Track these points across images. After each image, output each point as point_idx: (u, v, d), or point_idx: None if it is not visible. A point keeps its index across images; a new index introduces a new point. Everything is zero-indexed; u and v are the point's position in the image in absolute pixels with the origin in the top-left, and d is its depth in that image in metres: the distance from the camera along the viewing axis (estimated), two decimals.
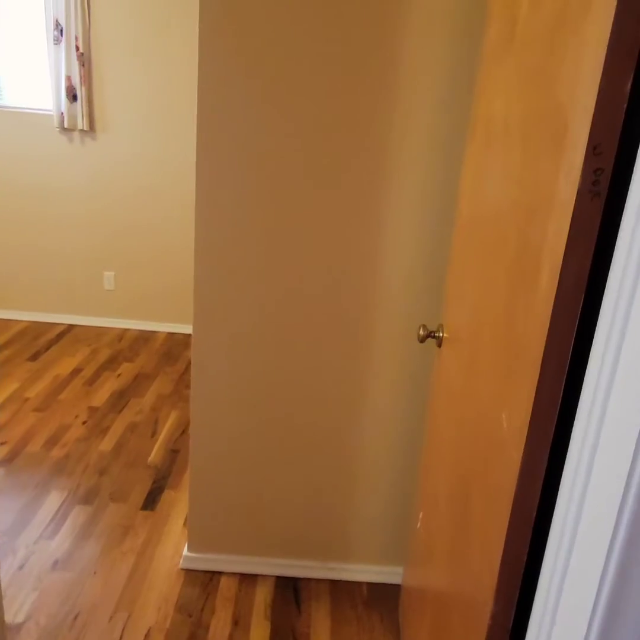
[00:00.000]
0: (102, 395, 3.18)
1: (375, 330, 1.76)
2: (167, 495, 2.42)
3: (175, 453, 2.71)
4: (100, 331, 4.02)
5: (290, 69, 1.55)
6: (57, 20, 3.46)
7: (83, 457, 2.62)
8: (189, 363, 3.64)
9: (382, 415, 1.85)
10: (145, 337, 4.01)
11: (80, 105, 3.60)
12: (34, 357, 3.55)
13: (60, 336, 3.89)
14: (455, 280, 1.50)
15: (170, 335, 4.07)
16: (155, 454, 2.69)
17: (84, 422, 2.89)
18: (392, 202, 1.64)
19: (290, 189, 1.65)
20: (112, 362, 3.57)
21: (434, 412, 1.61)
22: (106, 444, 2.73)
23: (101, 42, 3.57)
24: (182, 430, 2.90)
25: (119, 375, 3.42)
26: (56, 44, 3.51)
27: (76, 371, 3.42)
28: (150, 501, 2.37)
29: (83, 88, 3.57)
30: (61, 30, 3.48)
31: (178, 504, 2.37)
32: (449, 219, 1.66)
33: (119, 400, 3.14)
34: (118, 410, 3.04)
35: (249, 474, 1.93)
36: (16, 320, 4.08)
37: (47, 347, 3.71)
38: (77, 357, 3.60)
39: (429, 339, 1.73)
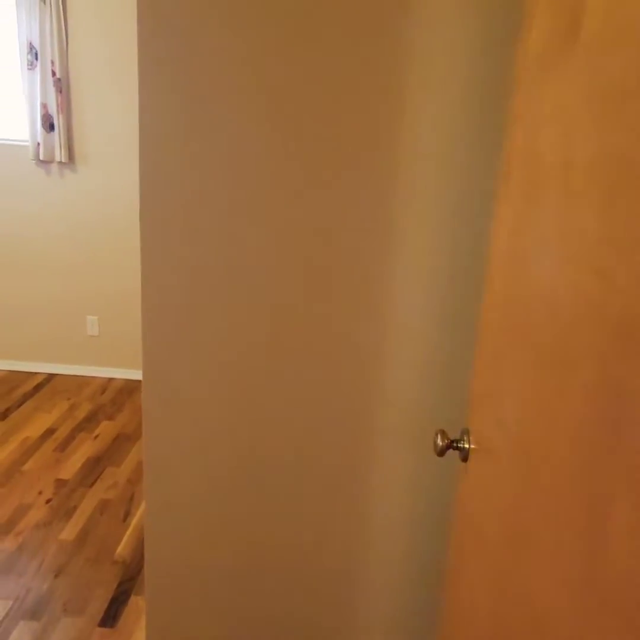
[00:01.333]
0: (73, 463, 2.78)
1: (373, 433, 1.34)
2: (132, 603, 2.00)
3: None
4: (82, 381, 3.64)
5: (272, 69, 1.16)
6: (31, 43, 3.14)
7: (39, 549, 2.21)
8: None
9: (386, 551, 1.42)
10: (130, 387, 3.61)
11: (57, 135, 3.27)
12: (4, 416, 3.17)
13: (37, 388, 3.52)
14: (487, 374, 1.09)
15: None
16: (125, 545, 2.27)
17: (47, 501, 2.49)
18: (397, 269, 1.23)
19: (270, 236, 1.25)
20: (90, 421, 3.18)
21: (459, 553, 1.18)
22: (69, 530, 2.32)
23: (79, 67, 3.24)
24: None
25: (96, 437, 3.03)
26: (30, 69, 3.18)
27: (49, 432, 3.03)
28: (112, 614, 1.95)
29: (60, 116, 3.23)
30: (36, 54, 3.16)
31: (145, 615, 1.95)
32: (472, 291, 1.25)
33: (93, 469, 2.74)
34: (89, 484, 2.63)
35: (215, 597, 1.51)
36: None
37: (21, 402, 3.33)
38: (53, 414, 3.22)
39: (450, 451, 1.31)
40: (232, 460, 1.40)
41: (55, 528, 2.33)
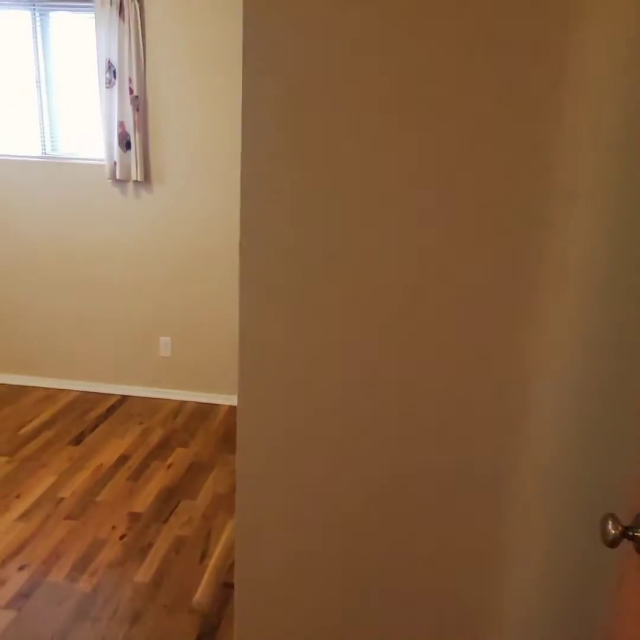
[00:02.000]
0: (147, 495, 2.66)
1: (516, 501, 1.11)
2: None
3: (228, 588, 2.13)
4: (154, 404, 3.55)
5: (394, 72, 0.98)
6: (109, 61, 3.09)
7: (114, 593, 2.08)
8: None
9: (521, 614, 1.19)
10: (203, 411, 3.50)
11: (134, 154, 3.20)
12: (78, 440, 3.10)
13: (110, 411, 3.45)
14: None
15: (232, 409, 3.54)
16: (203, 590, 2.11)
17: (121, 537, 2.37)
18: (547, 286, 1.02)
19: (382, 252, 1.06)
20: (163, 448, 3.07)
21: None
22: (144, 572, 2.19)
23: (157, 85, 3.17)
24: None
25: (169, 465, 2.91)
26: (108, 87, 3.14)
27: (122, 460, 2.93)
28: None
29: (137, 135, 3.17)
30: (114, 72, 3.11)
31: None
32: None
33: (167, 502, 2.61)
34: (163, 519, 2.50)
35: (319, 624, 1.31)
36: (65, 391, 3.68)
37: (94, 425, 3.26)
38: (126, 440, 3.12)
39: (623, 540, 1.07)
40: (341, 500, 1.21)
41: (129, 568, 2.20)
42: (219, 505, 2.60)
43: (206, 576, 2.18)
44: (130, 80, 3.11)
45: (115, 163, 3.23)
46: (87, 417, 3.35)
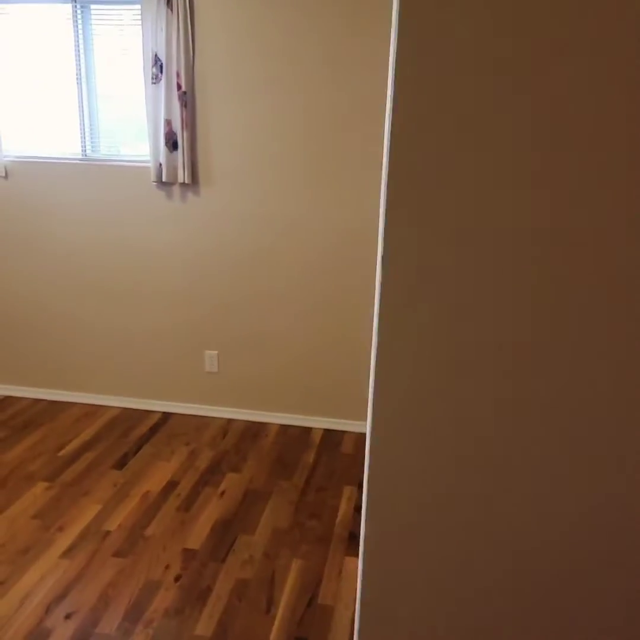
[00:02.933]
0: (201, 528, 2.42)
1: None
2: None
3: None
4: (200, 422, 3.32)
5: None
6: (156, 55, 2.87)
7: None
8: (311, 475, 2.83)
9: None
10: (253, 430, 3.25)
11: (181, 154, 2.97)
12: (122, 463, 2.87)
13: (153, 430, 3.22)
14: None
15: (283, 429, 3.29)
16: None
17: (177, 579, 2.13)
18: None
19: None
20: (213, 472, 2.82)
21: None
22: (205, 623, 1.94)
23: (206, 79, 2.94)
24: (309, 599, 2.06)
25: (222, 493, 2.66)
26: (155, 82, 2.91)
27: (170, 486, 2.70)
28: None
29: (185, 133, 2.94)
30: (161, 67, 2.88)
31: None
32: None
33: (223, 537, 2.36)
34: (221, 557, 2.25)
35: None
36: (106, 407, 3.46)
37: (138, 446, 3.03)
38: (173, 463, 2.89)
39: None
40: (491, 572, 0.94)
41: (188, 618, 1.95)
42: (280, 543, 2.34)
43: (275, 628, 1.92)
44: (177, 75, 2.88)
45: (160, 164, 3.00)
46: (130, 437, 3.13)
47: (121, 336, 3.37)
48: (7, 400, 3.50)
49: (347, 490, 2.71)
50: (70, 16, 3.01)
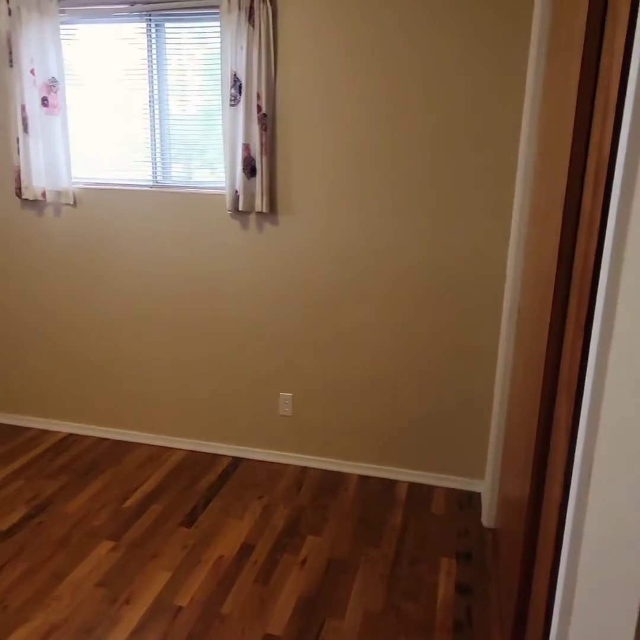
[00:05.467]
0: (282, 607, 2.12)
1: None
2: None
3: None
4: (273, 470, 3.04)
5: None
6: (235, 75, 2.65)
7: None
8: (401, 542, 2.50)
9: None
10: (331, 482, 2.95)
11: (259, 181, 2.73)
12: (191, 519, 2.62)
13: (223, 477, 2.96)
14: None
15: (364, 480, 2.97)
16: None
17: None
18: None
19: None
20: (291, 534, 2.53)
21: None
22: None
23: (288, 100, 2.70)
24: None
25: (303, 561, 2.37)
26: (233, 104, 2.69)
27: (245, 550, 2.42)
28: None
29: (264, 158, 2.70)
30: (240, 88, 2.65)
31: None
32: None
33: (308, 620, 2.06)
34: None
35: None
36: (172, 449, 3.23)
37: (208, 499, 2.77)
38: (246, 522, 2.61)
39: None
40: None
41: None
42: (374, 631, 2.02)
43: None
44: (258, 96, 2.65)
45: (237, 192, 2.76)
46: (198, 486, 2.87)
47: (190, 373, 3.14)
48: (71, 439, 3.31)
49: (445, 563, 2.38)
50: (144, 35, 2.83)
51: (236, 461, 3.13)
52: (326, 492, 2.86)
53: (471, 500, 2.82)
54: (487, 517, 2.61)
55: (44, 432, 3.37)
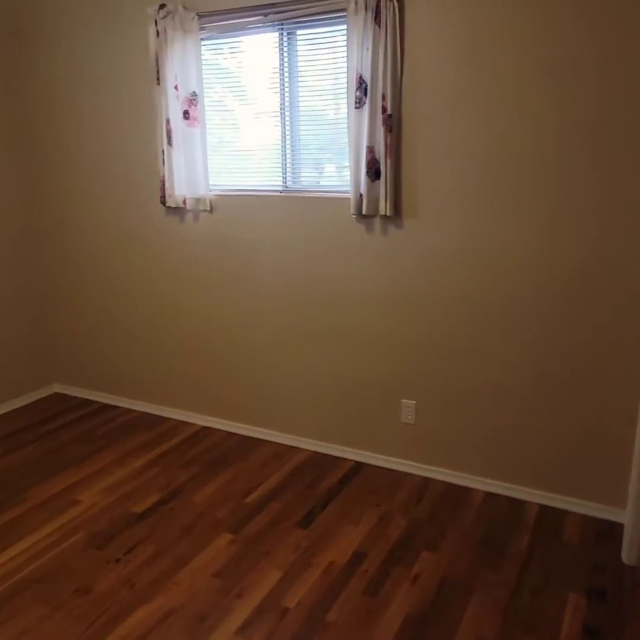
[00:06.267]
0: (389, 623, 2.06)
1: None
2: None
3: None
4: (394, 478, 2.97)
5: None
6: (361, 77, 2.62)
7: None
8: (524, 569, 2.31)
9: None
10: (453, 495, 2.82)
11: (383, 184, 2.68)
12: (307, 521, 2.64)
13: (343, 481, 2.95)
14: None
15: (490, 498, 2.80)
16: None
17: None
18: None
19: None
20: (406, 547, 2.45)
21: None
22: None
23: (415, 100, 2.62)
24: None
25: (415, 578, 2.28)
26: (358, 107, 2.66)
27: (357, 558, 2.39)
28: None
29: (389, 161, 2.64)
30: (365, 90, 2.62)
31: None
32: None
33: (415, 639, 1.98)
34: None
35: None
36: (297, 449, 3.29)
37: (326, 501, 2.78)
38: (361, 529, 2.58)
39: None
40: None
41: None
42: None
43: None
44: (383, 97, 2.60)
45: (361, 196, 2.74)
46: (318, 489, 2.89)
47: (316, 376, 3.17)
48: (205, 432, 3.51)
49: (572, 599, 2.16)
50: (277, 45, 2.90)
51: (358, 466, 3.11)
52: (448, 507, 2.74)
53: (612, 531, 2.54)
54: (629, 553, 2.33)
55: (182, 424, 3.61)
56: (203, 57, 3.05)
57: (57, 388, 4.14)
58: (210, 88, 3.12)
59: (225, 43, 3.02)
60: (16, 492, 2.88)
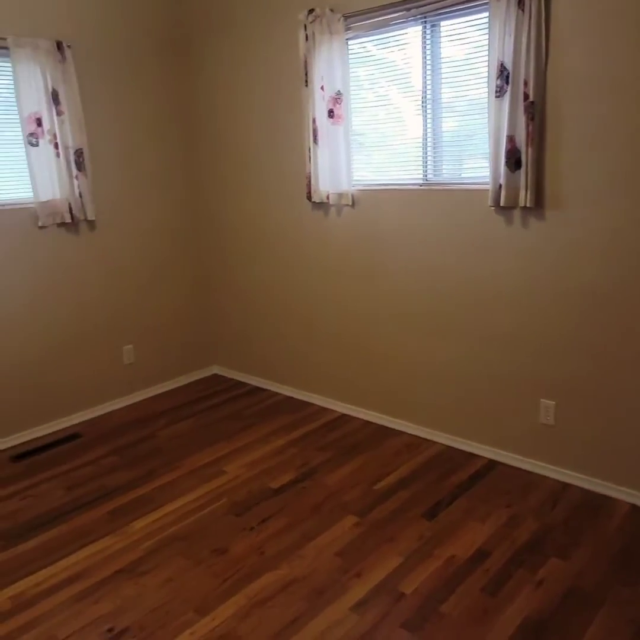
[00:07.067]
0: (506, 623, 2.02)
1: None
2: None
3: None
4: (528, 480, 2.86)
5: None
6: (502, 65, 2.55)
7: None
8: None
9: None
10: (593, 504, 2.65)
11: (524, 174, 2.59)
12: (433, 512, 2.65)
13: (474, 478, 2.91)
14: None
15: (635, 510, 2.59)
16: None
17: None
18: None
19: None
20: (533, 551, 2.37)
21: None
22: None
23: (560, 85, 2.48)
24: None
25: (539, 583, 2.19)
26: (499, 96, 2.59)
27: (479, 556, 2.35)
28: None
29: (529, 150, 2.54)
30: (507, 77, 2.54)
31: None
32: None
33: None
34: None
35: None
36: (430, 442, 3.30)
37: (454, 496, 2.77)
38: (487, 527, 2.53)
39: None
40: None
41: None
42: None
43: None
44: (525, 84, 2.50)
45: (500, 186, 2.66)
46: (447, 482, 2.88)
47: (453, 371, 3.15)
48: (343, 419, 3.64)
49: None
50: (419, 37, 2.92)
51: (491, 464, 3.04)
52: (585, 515, 2.58)
53: None
54: None
55: (323, 409, 3.78)
56: (348, 56, 3.15)
57: (216, 370, 4.55)
58: (354, 86, 3.21)
59: (369, 41, 3.10)
60: (173, 459, 3.24)
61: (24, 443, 3.50)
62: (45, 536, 2.60)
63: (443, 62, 2.87)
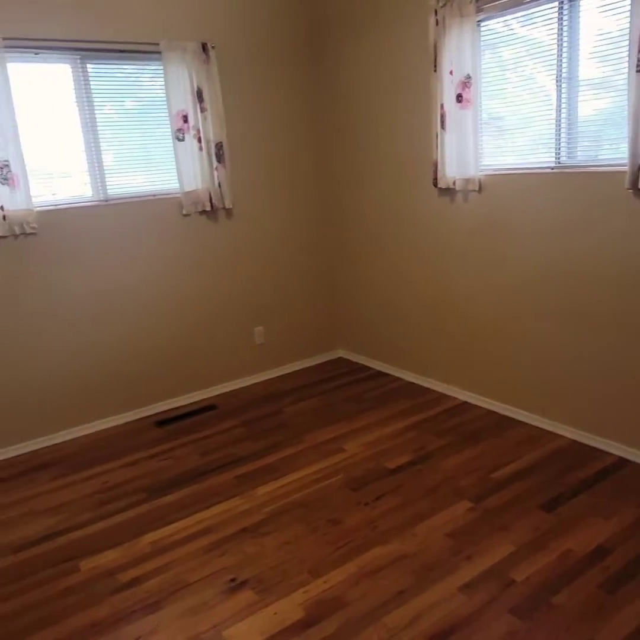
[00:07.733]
0: (621, 622, 1.93)
1: None
2: None
3: None
4: None
5: None
6: None
7: None
8: None
9: None
10: None
11: None
12: (552, 505, 2.58)
13: (600, 476, 2.78)
14: None
15: None
16: None
17: None
18: None
19: None
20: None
21: None
22: None
23: None
24: None
25: None
26: (639, 70, 2.43)
27: (599, 553, 2.26)
28: None
29: None
30: None
31: None
32: None
33: None
34: None
35: None
36: (554, 434, 3.18)
37: (576, 491, 2.67)
38: (612, 524, 2.42)
39: None
40: None
41: None
42: None
43: None
44: None
45: (639, 168, 2.50)
46: (570, 477, 2.78)
47: (583, 365, 3.01)
48: (464, 406, 3.62)
49: None
50: (555, 15, 2.80)
51: (622, 462, 2.87)
52: None
53: None
54: None
55: (444, 396, 3.78)
56: (479, 38, 3.10)
57: (341, 353, 4.69)
58: (485, 68, 3.15)
59: (502, 21, 3.02)
60: (297, 434, 3.42)
61: (166, 411, 3.88)
62: (182, 493, 2.89)
63: (581, 39, 2.74)
